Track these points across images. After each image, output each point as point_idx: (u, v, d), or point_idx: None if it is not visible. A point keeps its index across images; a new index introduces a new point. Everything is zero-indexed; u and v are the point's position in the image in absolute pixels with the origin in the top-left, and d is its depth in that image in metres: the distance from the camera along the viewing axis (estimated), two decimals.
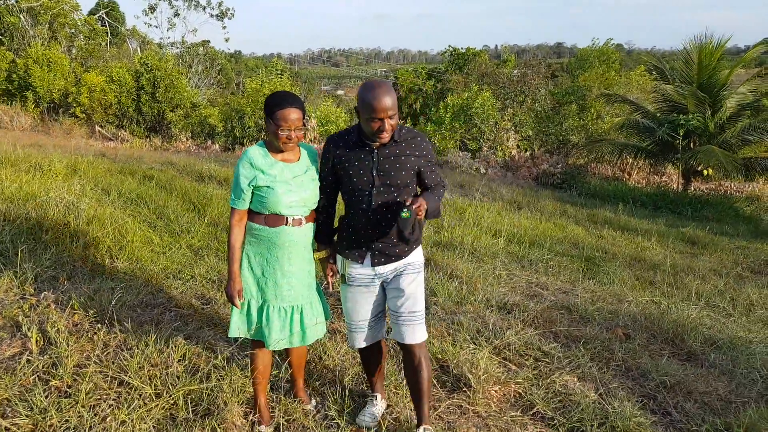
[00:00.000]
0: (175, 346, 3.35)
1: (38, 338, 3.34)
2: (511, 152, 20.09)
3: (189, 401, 2.97)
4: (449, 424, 3.07)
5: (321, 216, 2.85)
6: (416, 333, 2.75)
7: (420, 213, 2.47)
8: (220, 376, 3.18)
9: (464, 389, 3.33)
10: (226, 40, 29.77)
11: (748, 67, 14.99)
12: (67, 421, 2.74)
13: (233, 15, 27.20)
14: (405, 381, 2.97)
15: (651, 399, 3.54)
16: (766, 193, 15.33)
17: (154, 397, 2.94)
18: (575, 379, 3.62)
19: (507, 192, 12.09)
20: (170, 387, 3.02)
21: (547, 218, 9.91)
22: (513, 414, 3.20)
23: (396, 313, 2.76)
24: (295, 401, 3.14)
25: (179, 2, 25.69)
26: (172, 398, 2.96)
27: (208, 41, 30.75)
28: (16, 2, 23.41)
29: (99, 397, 2.93)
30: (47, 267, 4.52)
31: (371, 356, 3.02)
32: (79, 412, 2.79)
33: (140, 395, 2.94)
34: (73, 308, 3.81)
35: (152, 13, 26.03)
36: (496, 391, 3.35)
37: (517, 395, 3.43)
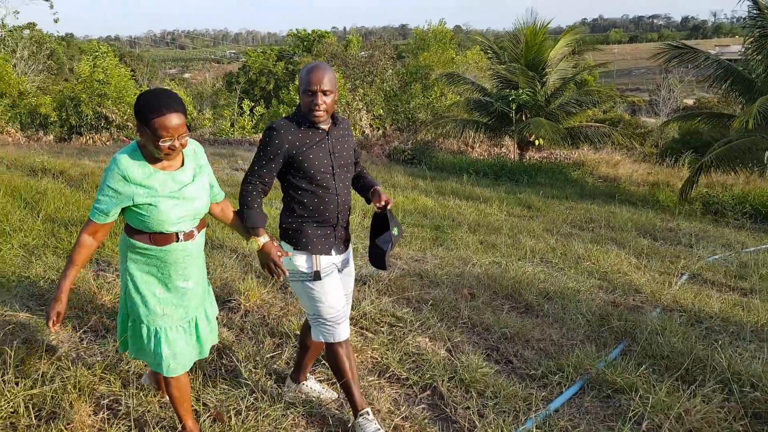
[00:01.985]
0: (12, 352, 3.01)
1: None
2: (363, 131, 20.53)
3: (31, 406, 2.71)
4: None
5: (257, 199, 2.60)
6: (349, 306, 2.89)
7: (389, 201, 2.72)
8: (65, 377, 2.94)
9: (322, 361, 3.37)
10: (56, 21, 26.63)
11: (569, 45, 16.56)
12: None
13: None
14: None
15: (494, 350, 3.83)
16: (588, 159, 17.24)
17: None
18: (427, 340, 3.81)
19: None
20: (8, 394, 2.73)
21: (400, 192, 10.26)
22: (371, 379, 3.30)
23: (347, 294, 2.87)
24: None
25: None
26: (11, 405, 2.68)
27: (35, 24, 27.39)
28: None
29: None
30: None
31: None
32: None
33: None
34: None
35: None
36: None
37: (374, 360, 3.54)
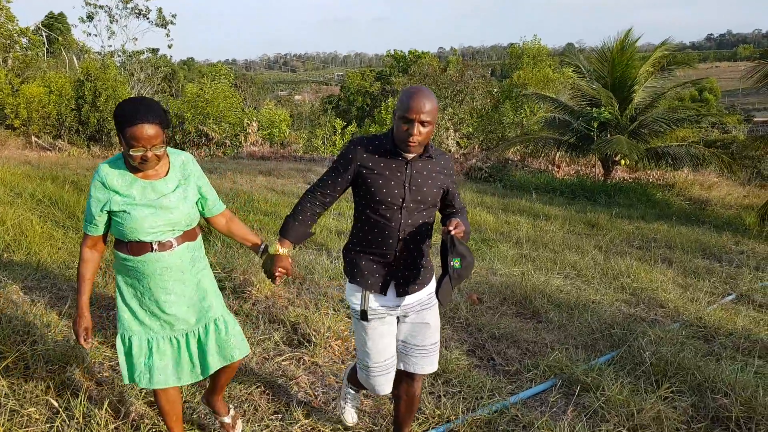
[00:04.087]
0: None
1: None
2: (449, 150, 20.82)
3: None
4: (284, 371, 3.51)
5: (307, 211, 2.45)
6: (435, 361, 2.57)
7: (460, 232, 2.25)
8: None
9: (306, 344, 3.79)
10: (170, 47, 29.88)
11: (657, 63, 15.94)
12: None
13: (173, 22, 27.21)
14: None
15: (480, 347, 4.06)
16: (680, 180, 16.39)
17: None
18: None
19: None
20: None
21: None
22: (350, 363, 3.66)
23: (418, 346, 2.50)
24: (208, 414, 2.99)
25: (117, 10, 25.45)
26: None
27: (158, 49, 30.73)
28: None
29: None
30: None
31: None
32: None
33: None
34: None
35: (90, 21, 25.87)
36: (337, 345, 3.81)
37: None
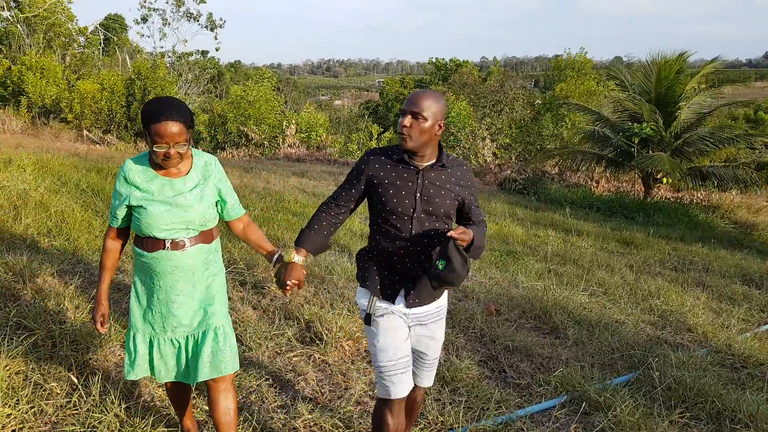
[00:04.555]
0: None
1: None
2: (486, 159, 20.69)
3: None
4: (294, 367, 3.57)
5: (322, 221, 2.44)
6: (433, 376, 2.60)
7: (464, 240, 2.17)
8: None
9: (318, 343, 3.85)
10: (217, 49, 30.80)
11: (708, 81, 15.52)
12: None
13: (222, 26, 27.95)
14: None
15: (492, 359, 4.04)
16: (726, 202, 15.87)
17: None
18: None
19: None
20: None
21: (491, 219, 10.42)
22: (359, 363, 3.71)
23: (422, 358, 2.50)
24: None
25: (170, 13, 26.33)
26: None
27: (207, 51, 31.67)
28: (14, 14, 24.17)
29: None
30: None
31: (400, 425, 2.42)
32: None
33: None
34: None
35: (144, 23, 26.84)
36: (348, 345, 3.85)
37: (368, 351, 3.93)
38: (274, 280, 2.48)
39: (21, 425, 2.73)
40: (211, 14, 27.36)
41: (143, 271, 2.38)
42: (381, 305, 2.37)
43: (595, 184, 18.55)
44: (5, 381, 2.96)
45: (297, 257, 2.38)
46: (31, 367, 3.18)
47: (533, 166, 17.23)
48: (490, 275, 6.21)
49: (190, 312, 2.40)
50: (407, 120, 2.23)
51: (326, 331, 3.92)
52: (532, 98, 26.10)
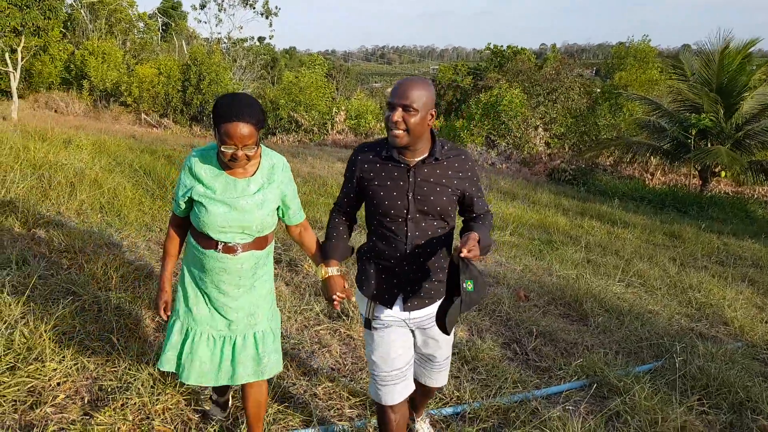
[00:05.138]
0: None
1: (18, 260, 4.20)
2: (537, 149, 20.33)
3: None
4: (320, 339, 3.72)
5: (338, 227, 2.40)
6: (445, 376, 2.53)
7: (475, 255, 2.00)
8: None
9: (344, 318, 3.99)
10: (271, 37, 31.42)
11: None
12: None
13: (277, 14, 28.47)
14: None
15: (516, 342, 4.07)
16: None
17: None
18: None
19: (506, 184, 12.52)
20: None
21: (534, 208, 10.32)
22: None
23: (429, 358, 2.44)
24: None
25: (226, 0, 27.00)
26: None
27: (264, 38, 32.31)
28: (79, 1, 25.36)
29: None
30: (46, 215, 5.42)
31: (401, 417, 2.35)
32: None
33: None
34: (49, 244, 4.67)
35: (202, 9, 27.64)
36: None
37: None
38: (322, 294, 2.44)
39: (65, 378, 2.98)
40: (267, 1, 27.88)
41: (193, 260, 2.35)
42: (380, 313, 2.30)
43: (649, 177, 18.00)
44: (53, 339, 3.23)
45: (331, 270, 2.30)
46: (77, 328, 3.45)
47: (586, 157, 16.82)
48: (525, 263, 6.20)
49: (232, 314, 2.34)
50: (397, 114, 2.06)
51: (352, 308, 4.06)
52: (590, 87, 25.41)
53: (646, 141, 15.37)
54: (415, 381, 2.50)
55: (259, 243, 2.31)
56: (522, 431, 2.92)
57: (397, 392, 2.29)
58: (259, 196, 2.24)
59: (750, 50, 14.54)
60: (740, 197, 14.53)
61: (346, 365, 3.50)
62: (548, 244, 7.50)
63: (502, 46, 36.05)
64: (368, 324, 2.32)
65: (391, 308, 2.27)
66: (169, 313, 2.37)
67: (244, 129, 2.04)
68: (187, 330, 2.36)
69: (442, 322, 2.04)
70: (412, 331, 2.36)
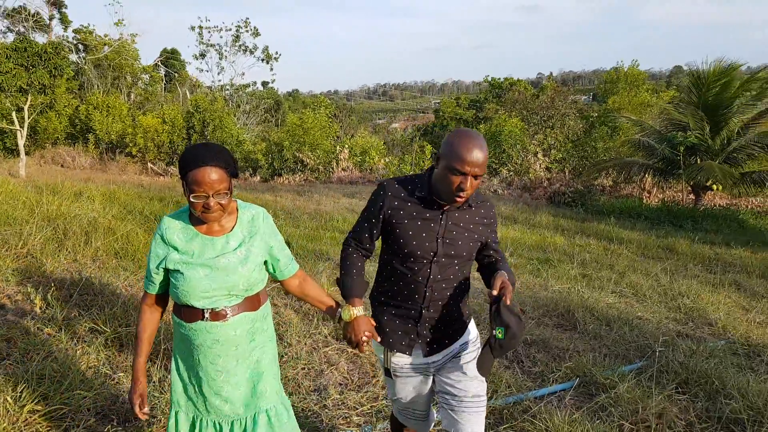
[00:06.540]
0: None
1: (41, 303, 4.54)
2: (538, 174, 20.75)
3: None
4: (329, 359, 4.04)
5: (356, 263, 2.27)
6: (480, 422, 2.24)
7: (510, 293, 2.00)
8: None
9: None
10: (273, 81, 32.40)
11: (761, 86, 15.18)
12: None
13: (278, 59, 29.44)
14: None
15: (511, 351, 4.35)
16: None
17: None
18: None
19: (507, 209, 12.88)
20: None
21: (534, 230, 10.64)
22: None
23: (456, 398, 2.21)
24: None
25: (227, 48, 28.00)
26: None
27: (267, 82, 33.26)
28: (83, 57, 26.38)
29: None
30: (64, 263, 5.79)
31: None
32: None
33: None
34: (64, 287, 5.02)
35: (202, 58, 28.64)
36: None
37: None
38: (343, 338, 2.33)
39: (94, 404, 3.30)
40: (267, 48, 28.87)
41: (183, 342, 2.13)
42: (398, 361, 2.24)
43: (647, 195, 18.34)
44: (82, 373, 3.56)
45: (356, 310, 2.17)
46: (102, 362, 3.77)
47: (584, 179, 17.26)
48: (522, 281, 6.50)
49: (235, 392, 2.12)
50: (470, 184, 2.01)
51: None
52: (586, 112, 26.01)
53: (639, 160, 15.77)
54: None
55: (251, 303, 2.11)
56: (514, 425, 3.20)
57: (419, 428, 2.44)
58: (241, 251, 2.06)
59: (733, 72, 15.02)
60: (733, 209, 14.82)
61: (354, 380, 3.79)
62: (545, 262, 7.80)
63: (499, 78, 36.98)
64: (388, 373, 2.28)
65: (410, 355, 2.22)
66: (145, 410, 2.12)
67: (212, 174, 1.90)
68: (193, 418, 2.18)
69: (480, 364, 2.06)
70: (433, 376, 2.30)
